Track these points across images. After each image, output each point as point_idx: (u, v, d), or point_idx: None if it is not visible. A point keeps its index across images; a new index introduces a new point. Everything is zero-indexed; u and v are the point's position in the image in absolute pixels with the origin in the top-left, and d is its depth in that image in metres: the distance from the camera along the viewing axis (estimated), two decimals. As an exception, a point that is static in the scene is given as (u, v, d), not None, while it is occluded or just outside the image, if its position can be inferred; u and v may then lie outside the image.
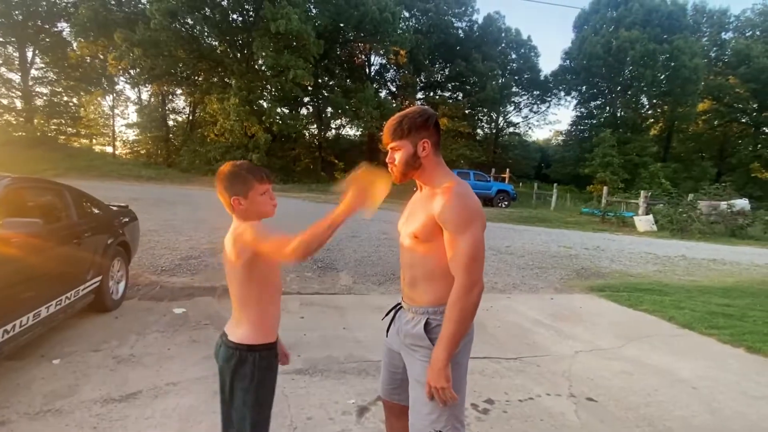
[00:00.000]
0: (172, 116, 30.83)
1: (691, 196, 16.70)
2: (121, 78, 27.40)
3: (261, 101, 24.39)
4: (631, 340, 3.97)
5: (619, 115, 32.15)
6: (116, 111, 30.60)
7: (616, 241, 11.31)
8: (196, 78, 26.72)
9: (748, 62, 30.16)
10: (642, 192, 17.13)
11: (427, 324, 1.41)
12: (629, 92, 31.50)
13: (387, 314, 1.63)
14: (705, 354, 3.76)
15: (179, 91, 29.22)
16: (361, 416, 2.39)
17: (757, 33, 33.20)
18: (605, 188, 19.65)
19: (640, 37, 28.25)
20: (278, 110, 24.51)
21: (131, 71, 24.97)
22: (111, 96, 29.18)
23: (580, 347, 3.70)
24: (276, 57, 21.65)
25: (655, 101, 32.55)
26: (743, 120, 34.08)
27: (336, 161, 33.18)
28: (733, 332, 4.23)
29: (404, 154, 1.41)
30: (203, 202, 12.42)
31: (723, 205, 15.20)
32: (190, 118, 30.06)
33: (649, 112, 33.70)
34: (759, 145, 32.52)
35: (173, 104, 30.99)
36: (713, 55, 33.79)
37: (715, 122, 34.82)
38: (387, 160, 1.47)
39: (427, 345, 1.40)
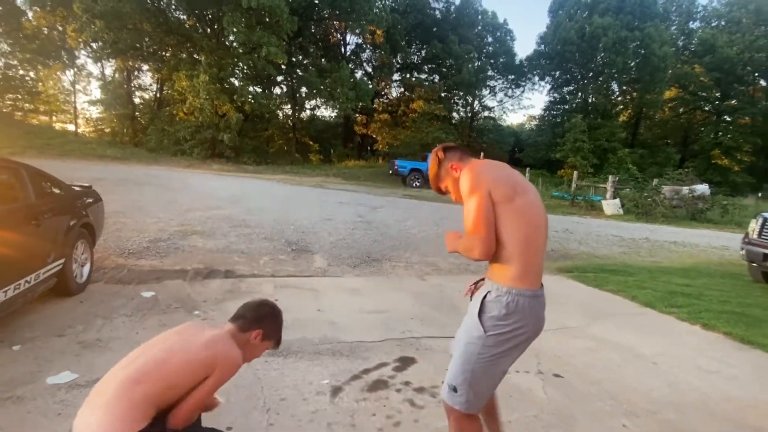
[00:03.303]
0: (138, 93, 29.60)
1: (655, 181, 17.33)
2: (83, 51, 25.95)
3: (232, 79, 23.65)
4: (596, 318, 4.13)
5: (590, 101, 32.79)
6: (78, 87, 29.06)
7: (584, 224, 11.66)
8: (164, 53, 25.60)
9: (713, 52, 31.14)
10: (610, 177, 17.64)
11: (486, 296, 1.57)
12: (600, 78, 32.11)
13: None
14: (665, 331, 3.95)
15: (145, 67, 27.98)
16: (335, 396, 2.41)
17: (723, 23, 34.24)
18: (575, 173, 20.17)
19: (612, 23, 28.70)
20: (250, 89, 23.83)
21: (93, 44, 23.67)
22: (72, 71, 27.63)
23: (548, 326, 3.77)
24: (247, 33, 20.95)
25: (625, 88, 33.33)
26: (706, 108, 35.35)
27: (311, 143, 32.69)
28: (690, 310, 4.46)
29: (449, 186, 1.77)
30: (172, 183, 12.07)
31: (685, 189, 15.86)
32: (158, 95, 28.91)
33: (619, 98, 34.51)
34: (720, 133, 33.90)
35: (139, 81, 29.70)
36: (681, 43, 34.73)
37: (680, 110, 36.02)
38: (452, 197, 1.79)
39: (475, 313, 1.58)
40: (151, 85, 29.75)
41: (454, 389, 1.61)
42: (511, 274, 1.52)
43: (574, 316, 4.15)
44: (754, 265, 6.12)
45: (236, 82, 23.57)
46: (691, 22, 36.06)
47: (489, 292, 1.55)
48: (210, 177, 15.56)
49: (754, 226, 6.10)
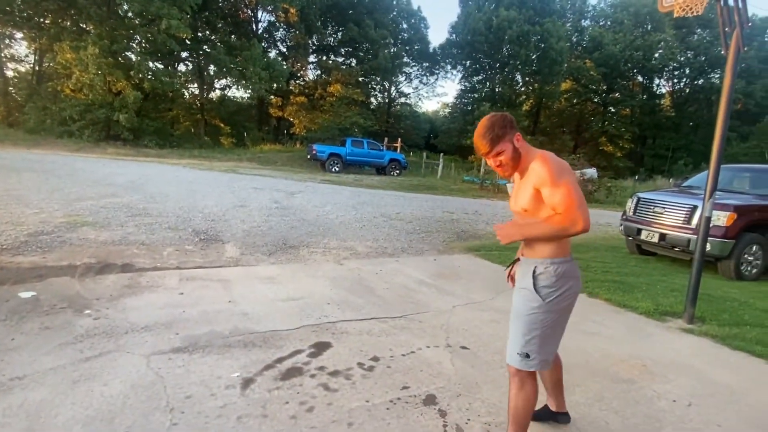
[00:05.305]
0: (10, 65, 25.55)
1: (553, 166, 18.99)
2: (-68, 11, 21.69)
3: (128, 53, 21.40)
4: (499, 292, 4.46)
5: (497, 90, 34.83)
6: (-72, 53, 24.29)
7: (492, 206, 12.47)
8: (42, 20, 22.32)
9: (600, 49, 34.62)
10: (515, 162, 18.96)
11: (534, 270, 1.80)
12: (506, 69, 34.16)
13: (509, 267, 2.10)
14: (557, 301, 4.37)
15: (19, 35, 24.19)
16: (245, 388, 2.34)
17: (609, 23, 38.12)
18: (483, 158, 21.33)
19: (516, 17, 30.55)
20: (150, 65, 21.77)
21: (-55, 4, 19.91)
22: None
23: (457, 302, 4.05)
24: (144, 3, 19.01)
25: (527, 79, 35.85)
26: (595, 100, 39.38)
27: (222, 125, 30.87)
28: (578, 281, 4.99)
29: (508, 152, 1.78)
30: (57, 168, 10.72)
31: (577, 173, 17.61)
32: (37, 68, 25.24)
33: (522, 89, 37.08)
34: (606, 122, 38.05)
35: (12, 50, 25.60)
36: (575, 39, 38.12)
37: (574, 101, 39.73)
38: (494, 166, 1.83)
39: (529, 286, 1.80)
40: (27, 56, 25.90)
41: (527, 355, 1.82)
42: (554, 248, 1.79)
43: (480, 292, 4.44)
44: (630, 238, 7.01)
45: (133, 57, 21.35)
46: (583, 20, 39.71)
47: (536, 267, 1.80)
48: (104, 162, 14.05)
49: (630, 204, 6.97)
